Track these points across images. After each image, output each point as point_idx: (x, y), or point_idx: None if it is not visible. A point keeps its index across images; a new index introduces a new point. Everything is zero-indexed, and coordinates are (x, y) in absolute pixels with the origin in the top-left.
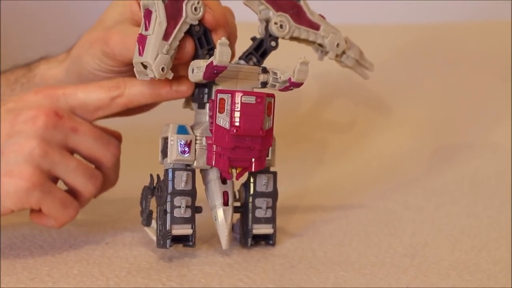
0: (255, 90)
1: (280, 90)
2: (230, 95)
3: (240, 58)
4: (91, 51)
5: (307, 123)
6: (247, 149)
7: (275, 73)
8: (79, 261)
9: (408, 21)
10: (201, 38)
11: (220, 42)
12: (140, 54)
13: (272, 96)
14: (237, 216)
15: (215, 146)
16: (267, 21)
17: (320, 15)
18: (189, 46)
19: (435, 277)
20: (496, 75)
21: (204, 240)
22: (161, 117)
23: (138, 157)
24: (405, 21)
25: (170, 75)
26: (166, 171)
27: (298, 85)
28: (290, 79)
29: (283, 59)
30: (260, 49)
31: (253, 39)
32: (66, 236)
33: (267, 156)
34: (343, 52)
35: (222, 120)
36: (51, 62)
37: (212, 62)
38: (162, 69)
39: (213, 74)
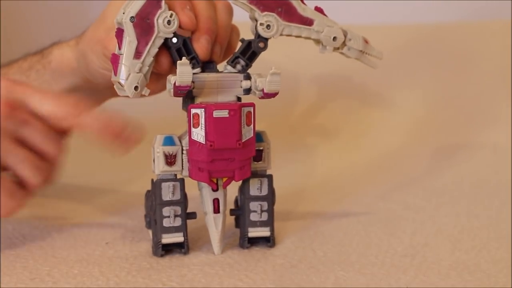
0: (240, 97)
1: (260, 98)
2: (203, 109)
3: (227, 63)
4: (95, 50)
5: (307, 123)
6: (227, 160)
7: (255, 80)
8: (79, 261)
9: (409, 21)
10: (181, 49)
11: (179, 62)
12: (115, 74)
13: (251, 105)
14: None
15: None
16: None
17: (316, 7)
18: (164, 60)
19: (435, 277)
20: (496, 75)
21: (204, 240)
22: (162, 117)
23: (139, 157)
24: (406, 21)
25: (146, 92)
26: (154, 182)
27: (271, 95)
28: (263, 89)
29: (285, 55)
30: (248, 51)
31: (242, 41)
32: (66, 236)
33: (261, 160)
34: (344, 44)
35: (198, 135)
36: (63, 47)
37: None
38: (136, 88)
39: (180, 93)
